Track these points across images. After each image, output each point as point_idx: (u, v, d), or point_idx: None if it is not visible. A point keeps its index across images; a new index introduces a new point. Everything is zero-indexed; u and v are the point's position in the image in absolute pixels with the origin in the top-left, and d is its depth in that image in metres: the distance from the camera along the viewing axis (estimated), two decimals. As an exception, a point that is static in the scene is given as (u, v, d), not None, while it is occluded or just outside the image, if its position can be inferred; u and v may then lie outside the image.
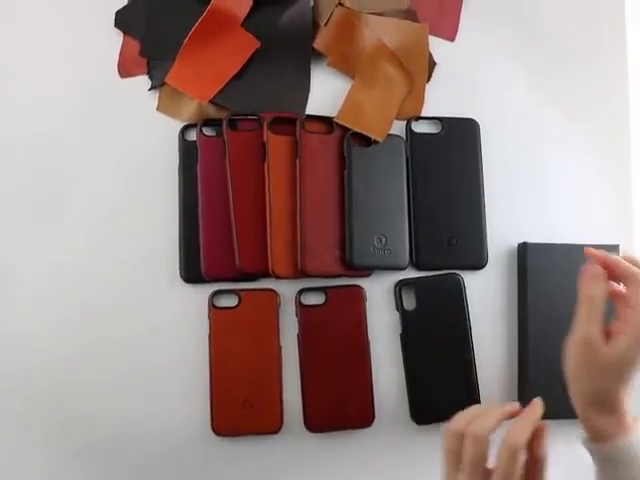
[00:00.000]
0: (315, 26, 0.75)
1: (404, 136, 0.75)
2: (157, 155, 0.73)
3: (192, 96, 0.73)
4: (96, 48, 0.76)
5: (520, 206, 0.76)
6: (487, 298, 0.74)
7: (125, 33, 0.76)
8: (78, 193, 0.73)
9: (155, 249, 0.72)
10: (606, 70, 0.81)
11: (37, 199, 0.73)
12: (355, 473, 0.71)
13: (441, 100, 0.76)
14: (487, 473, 0.49)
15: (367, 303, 0.72)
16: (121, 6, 0.76)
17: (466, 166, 0.74)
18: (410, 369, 0.71)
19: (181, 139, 0.73)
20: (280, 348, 0.71)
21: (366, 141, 0.73)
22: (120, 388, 0.71)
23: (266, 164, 0.70)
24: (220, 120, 0.72)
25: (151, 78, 0.75)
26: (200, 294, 0.71)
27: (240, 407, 0.69)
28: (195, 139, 0.72)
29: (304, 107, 0.75)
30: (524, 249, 0.73)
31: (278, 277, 0.70)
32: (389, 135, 0.74)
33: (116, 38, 0.76)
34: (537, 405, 0.52)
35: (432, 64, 0.77)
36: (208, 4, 0.73)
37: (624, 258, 0.54)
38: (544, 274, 0.72)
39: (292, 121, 0.72)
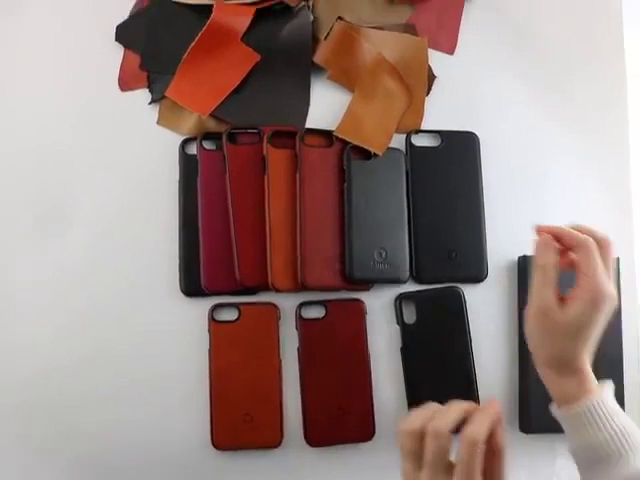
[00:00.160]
0: (315, 40, 0.75)
1: (404, 149, 0.75)
2: (157, 168, 0.73)
3: (192, 110, 0.73)
4: (97, 62, 0.76)
5: (520, 219, 0.75)
6: (487, 311, 0.74)
7: (126, 47, 0.76)
8: (78, 206, 0.73)
9: (155, 262, 0.72)
10: (605, 83, 0.81)
11: (38, 211, 0.73)
12: (356, 487, 0.71)
13: (441, 113, 0.77)
14: (450, 468, 0.49)
15: (367, 316, 0.72)
16: (122, 20, 0.76)
17: (466, 179, 0.74)
18: (410, 383, 0.71)
19: (181, 153, 0.73)
20: (280, 362, 0.71)
21: (366, 154, 0.73)
22: (120, 401, 0.71)
23: (266, 177, 0.70)
24: (220, 134, 0.72)
25: (151, 92, 0.75)
26: (200, 307, 0.71)
27: (240, 421, 0.69)
28: (195, 153, 0.72)
29: (304, 121, 0.75)
30: (524, 262, 0.73)
31: (278, 290, 0.70)
32: (389, 148, 0.74)
33: (117, 52, 0.76)
34: (493, 401, 0.52)
35: (432, 77, 0.77)
36: (208, 18, 0.73)
37: (574, 228, 0.56)
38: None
39: (292, 135, 0.72)
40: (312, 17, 0.75)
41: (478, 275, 0.74)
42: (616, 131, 0.80)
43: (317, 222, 0.70)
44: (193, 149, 0.73)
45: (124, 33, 0.77)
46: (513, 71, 0.79)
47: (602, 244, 0.55)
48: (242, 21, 0.74)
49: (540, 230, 0.57)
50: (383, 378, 0.72)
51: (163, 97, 0.74)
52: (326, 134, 0.73)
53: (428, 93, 0.77)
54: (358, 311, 0.71)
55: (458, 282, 0.73)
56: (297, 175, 0.71)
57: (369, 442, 0.70)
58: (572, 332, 0.54)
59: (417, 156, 0.74)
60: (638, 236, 0.78)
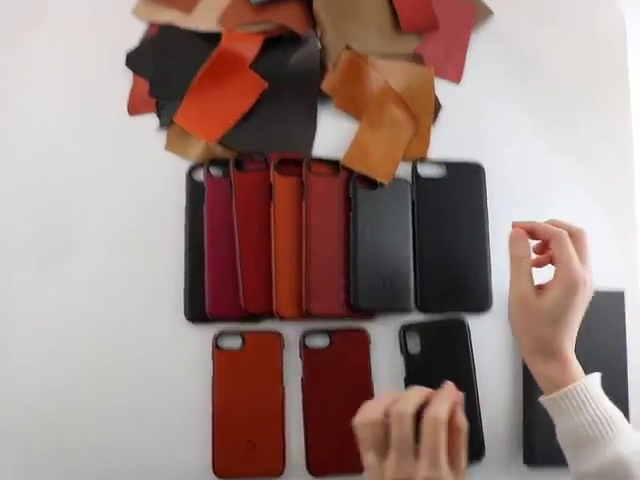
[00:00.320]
0: (323, 68, 0.76)
1: (409, 179, 0.75)
2: (164, 194, 0.74)
3: (200, 136, 0.73)
4: (106, 86, 0.77)
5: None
6: (492, 341, 0.74)
7: (135, 73, 0.77)
8: (85, 230, 0.73)
9: (160, 288, 0.72)
10: (609, 114, 0.82)
11: (45, 235, 0.73)
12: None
13: (446, 142, 0.77)
14: (416, 451, 0.50)
15: (371, 346, 0.71)
16: (132, 47, 0.77)
17: (471, 210, 0.74)
18: (414, 414, 0.71)
19: (188, 179, 0.73)
20: (284, 390, 0.70)
21: (372, 184, 0.73)
22: (122, 426, 0.70)
23: (272, 205, 0.71)
24: (227, 160, 0.73)
25: (159, 117, 0.76)
26: (204, 333, 0.71)
27: (242, 449, 0.69)
28: (202, 179, 0.73)
29: (310, 149, 0.75)
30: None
31: (282, 318, 0.70)
32: (395, 178, 0.74)
33: (126, 77, 0.77)
34: (451, 385, 0.53)
35: (438, 107, 0.78)
36: (216, 46, 0.74)
37: (549, 222, 0.60)
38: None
39: (298, 162, 0.72)
40: (320, 46, 0.76)
41: (483, 305, 0.74)
42: (621, 162, 0.80)
43: (322, 250, 0.70)
44: (200, 175, 0.73)
45: (134, 59, 0.77)
46: (518, 101, 0.80)
47: (576, 235, 0.59)
48: (251, 49, 0.75)
49: (515, 226, 0.61)
50: (387, 408, 0.71)
51: (171, 123, 0.75)
52: (332, 163, 0.74)
53: (434, 122, 0.77)
54: (362, 341, 0.71)
55: (463, 312, 0.73)
56: (303, 203, 0.71)
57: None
58: (550, 318, 0.56)
59: (423, 186, 0.75)
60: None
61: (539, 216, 0.72)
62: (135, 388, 0.71)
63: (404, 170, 0.75)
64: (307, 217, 0.70)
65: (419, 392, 0.53)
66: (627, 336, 0.74)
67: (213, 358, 0.70)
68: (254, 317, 0.71)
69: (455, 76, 0.79)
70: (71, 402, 0.70)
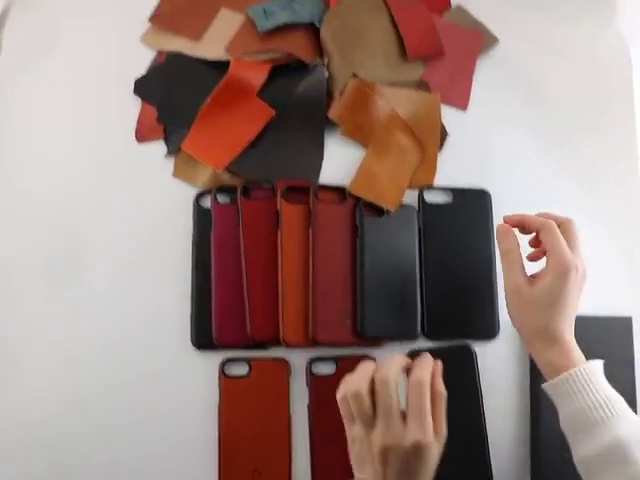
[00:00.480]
0: (329, 96, 0.76)
1: (416, 205, 0.75)
2: (171, 220, 0.74)
3: (207, 164, 0.73)
4: (115, 113, 0.78)
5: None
6: (499, 368, 0.74)
7: (143, 100, 0.78)
8: (92, 256, 0.74)
9: (167, 314, 0.72)
10: (615, 139, 0.82)
11: (52, 262, 0.74)
12: None
13: (453, 169, 0.77)
14: (402, 416, 0.53)
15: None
16: (140, 74, 0.78)
17: (478, 236, 0.75)
18: (420, 441, 0.70)
19: (195, 206, 0.74)
20: (290, 418, 0.70)
21: (378, 211, 0.74)
22: (126, 453, 0.70)
23: (279, 232, 0.71)
24: (234, 187, 0.73)
25: (167, 144, 0.76)
26: (210, 360, 0.71)
27: (248, 477, 0.69)
28: (209, 206, 0.73)
29: (317, 176, 0.76)
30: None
31: (289, 346, 0.70)
32: (401, 205, 0.74)
33: (134, 105, 0.77)
34: (427, 354, 0.57)
35: (444, 134, 0.78)
36: (224, 74, 0.75)
37: (538, 214, 0.63)
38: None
39: (305, 190, 0.73)
40: (327, 74, 0.76)
41: (490, 332, 0.74)
42: (626, 186, 0.81)
43: (329, 278, 0.71)
44: (207, 202, 0.74)
45: (142, 86, 0.78)
46: (524, 127, 0.80)
47: (564, 225, 0.61)
48: (258, 77, 0.75)
49: (506, 219, 0.64)
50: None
51: (179, 150, 0.75)
52: (339, 190, 0.74)
53: (441, 149, 0.77)
54: (369, 368, 0.71)
55: (469, 339, 0.73)
56: (310, 230, 0.71)
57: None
58: (545, 304, 0.58)
59: (429, 213, 0.75)
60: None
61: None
62: (141, 415, 0.70)
63: (411, 196, 0.76)
64: (314, 244, 0.71)
65: (398, 360, 0.56)
66: (635, 361, 0.73)
67: (219, 385, 0.70)
68: (261, 344, 0.71)
69: (461, 103, 0.79)
70: (76, 426, 0.70)
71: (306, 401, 0.70)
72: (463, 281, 0.74)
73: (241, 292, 0.70)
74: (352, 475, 0.61)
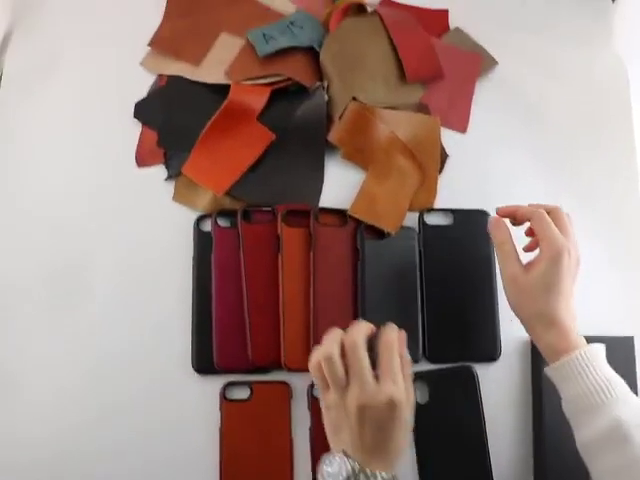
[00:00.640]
0: (329, 119, 0.77)
1: (417, 228, 0.75)
2: (172, 244, 0.74)
3: (207, 188, 0.74)
4: (115, 137, 0.78)
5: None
6: (501, 391, 0.73)
7: (143, 124, 0.78)
8: (92, 280, 0.74)
9: (168, 339, 0.72)
10: (614, 158, 0.82)
11: (52, 285, 0.73)
12: None
13: (453, 191, 0.77)
14: (375, 376, 0.55)
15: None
16: (140, 98, 0.78)
17: (479, 257, 0.75)
18: (423, 465, 0.70)
19: (196, 229, 0.74)
20: (292, 441, 0.70)
21: (379, 233, 0.74)
22: (128, 477, 0.69)
23: (280, 256, 0.71)
24: (235, 211, 0.73)
25: (167, 168, 0.76)
26: (212, 385, 0.71)
27: (250, 501, 0.68)
28: (210, 230, 0.73)
29: (318, 199, 0.76)
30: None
31: (290, 370, 0.70)
32: (402, 227, 0.75)
33: (135, 128, 0.78)
34: (392, 324, 0.59)
35: (444, 156, 0.78)
36: (224, 97, 0.75)
37: (529, 205, 0.64)
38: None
39: (306, 213, 0.73)
40: (327, 97, 0.76)
41: (491, 354, 0.73)
42: (625, 206, 0.81)
43: (330, 301, 0.71)
44: (208, 226, 0.74)
45: (142, 110, 0.78)
46: (523, 149, 0.81)
47: (554, 213, 0.63)
48: (258, 101, 0.76)
49: (497, 211, 0.66)
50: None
51: (179, 174, 0.75)
52: (340, 213, 0.74)
53: (441, 171, 0.78)
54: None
55: (471, 361, 0.73)
56: (311, 254, 0.71)
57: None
58: (541, 289, 0.60)
59: (430, 235, 0.75)
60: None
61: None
62: (142, 439, 0.70)
63: (411, 219, 0.76)
64: (315, 268, 0.71)
65: (364, 325, 0.58)
66: (638, 381, 0.73)
67: (221, 409, 0.70)
68: (262, 368, 0.71)
69: (461, 126, 0.80)
70: (75, 448, 0.69)
71: (308, 424, 0.70)
72: (464, 303, 0.74)
73: (242, 316, 0.70)
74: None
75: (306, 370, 0.66)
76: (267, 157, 0.75)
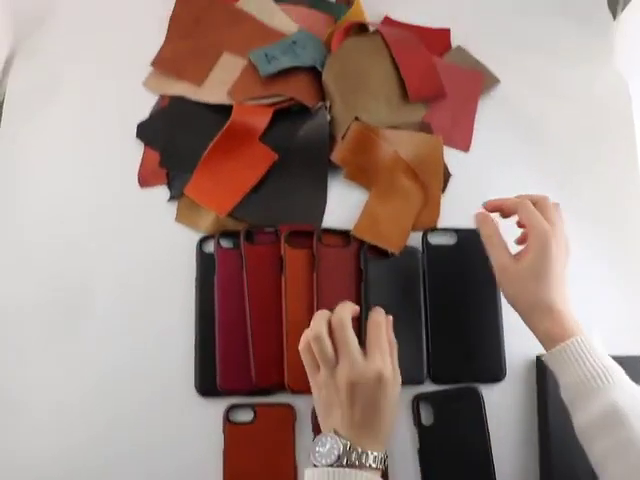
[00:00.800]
0: (332, 139, 0.76)
1: (420, 247, 0.75)
2: (174, 266, 0.74)
3: (210, 209, 0.73)
4: (118, 158, 0.78)
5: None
6: (506, 411, 0.72)
7: (146, 144, 0.78)
8: (93, 302, 0.73)
9: (171, 361, 0.71)
10: (617, 175, 0.82)
11: (54, 308, 0.73)
12: None
13: (456, 210, 0.77)
14: (362, 351, 0.58)
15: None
16: (142, 118, 0.78)
17: (482, 276, 0.74)
18: (429, 487, 0.69)
19: (198, 250, 0.73)
20: (296, 465, 0.69)
21: (383, 253, 0.73)
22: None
23: (283, 277, 0.71)
24: (237, 232, 0.73)
25: (170, 189, 0.76)
26: (215, 407, 0.70)
27: (254, 525, 0.67)
28: (213, 251, 0.73)
29: (321, 220, 0.76)
30: (543, 361, 0.71)
31: (294, 392, 0.69)
32: (405, 247, 0.74)
33: (137, 149, 0.78)
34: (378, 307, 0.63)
35: (447, 175, 0.78)
36: (226, 117, 0.75)
37: (516, 197, 0.66)
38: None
39: (309, 234, 0.72)
40: (329, 117, 0.76)
41: (496, 375, 0.73)
42: (630, 223, 0.81)
43: (334, 322, 0.70)
44: (210, 247, 0.73)
45: (144, 130, 0.78)
46: (527, 167, 0.81)
47: (540, 203, 0.64)
48: (260, 121, 0.76)
49: (484, 205, 0.68)
50: (400, 481, 0.70)
51: (182, 195, 0.75)
52: (343, 234, 0.74)
53: (444, 191, 0.77)
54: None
55: (476, 382, 0.72)
56: (314, 275, 0.71)
57: None
58: (532, 277, 0.60)
59: (433, 254, 0.75)
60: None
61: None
62: (144, 461, 0.69)
63: (415, 238, 0.75)
64: (318, 289, 0.70)
65: (349, 304, 0.61)
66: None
67: (224, 431, 0.69)
68: (265, 390, 0.70)
69: (463, 144, 0.79)
70: (77, 472, 0.69)
71: (312, 447, 0.69)
72: (469, 323, 0.73)
73: (245, 338, 0.70)
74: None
75: (310, 392, 0.66)
76: (270, 177, 0.75)
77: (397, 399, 0.60)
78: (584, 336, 0.59)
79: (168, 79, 0.81)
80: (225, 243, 0.73)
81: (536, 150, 0.82)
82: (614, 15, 0.90)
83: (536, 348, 0.69)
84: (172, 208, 0.76)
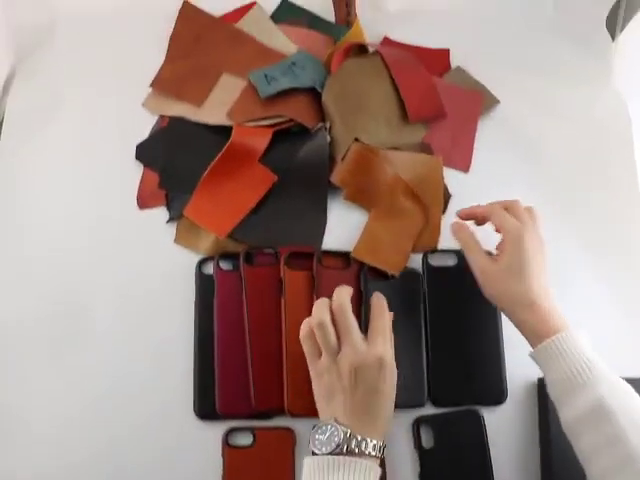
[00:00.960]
0: (332, 160, 0.76)
1: (421, 269, 0.74)
2: (173, 287, 0.73)
3: (209, 230, 0.73)
4: (116, 179, 0.78)
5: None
6: (508, 434, 0.72)
7: (145, 165, 0.78)
8: (93, 324, 0.73)
9: (169, 384, 0.71)
10: (617, 197, 0.82)
11: (55, 328, 0.73)
12: None
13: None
14: (364, 338, 0.60)
15: (384, 440, 0.69)
16: (142, 139, 0.78)
17: (483, 299, 0.73)
18: (430, 511, 0.69)
19: (198, 272, 0.73)
20: (295, 489, 0.68)
21: (383, 275, 0.73)
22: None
23: (283, 300, 0.70)
24: (237, 254, 0.72)
25: (169, 210, 0.76)
26: (214, 430, 0.69)
27: None
28: (212, 273, 0.72)
29: (320, 241, 0.75)
30: (544, 383, 0.71)
31: (294, 416, 0.68)
32: (406, 269, 0.74)
33: (136, 170, 0.78)
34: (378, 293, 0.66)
35: (447, 196, 0.78)
36: (226, 138, 0.75)
37: (487, 204, 0.68)
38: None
39: (309, 256, 0.72)
40: (329, 138, 0.76)
41: (497, 397, 0.72)
42: (632, 244, 0.80)
43: (334, 345, 0.69)
44: (210, 269, 0.73)
45: (144, 151, 0.78)
46: (526, 188, 0.80)
47: (511, 206, 0.66)
48: (260, 142, 0.76)
49: (457, 213, 0.70)
50: (402, 505, 0.69)
51: (181, 216, 0.75)
52: (343, 255, 0.74)
53: (444, 212, 0.77)
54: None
55: (477, 405, 0.72)
56: (314, 297, 0.70)
57: None
58: (511, 274, 0.63)
59: (434, 276, 0.74)
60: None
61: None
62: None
63: (415, 260, 0.75)
64: (318, 311, 0.69)
65: (346, 288, 0.63)
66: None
67: (223, 455, 0.68)
68: (265, 414, 0.69)
69: (463, 165, 0.79)
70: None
71: (312, 472, 0.68)
72: (469, 345, 0.73)
73: (245, 360, 0.69)
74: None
75: (310, 416, 0.66)
76: (269, 199, 0.75)
77: (394, 387, 0.61)
78: (569, 332, 0.60)
79: (167, 99, 0.81)
80: (225, 265, 0.73)
81: (536, 170, 0.82)
82: (613, 36, 0.90)
83: (537, 370, 0.69)
84: (171, 229, 0.76)
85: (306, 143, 0.76)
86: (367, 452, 0.56)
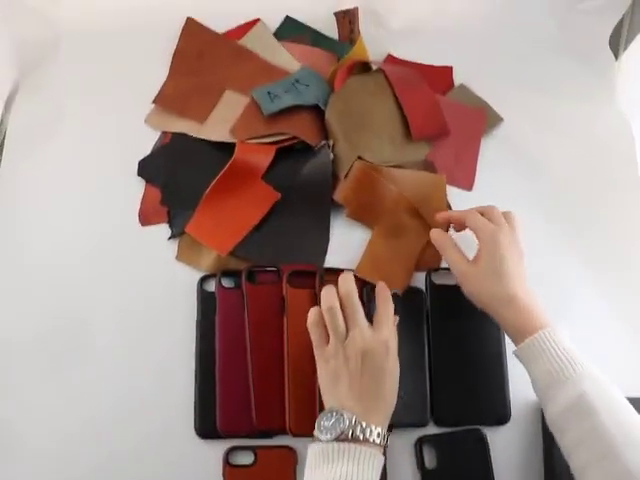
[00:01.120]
0: (335, 178, 0.76)
1: (424, 287, 0.74)
2: (175, 304, 0.73)
3: (211, 248, 0.73)
4: (118, 195, 0.78)
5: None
6: (512, 455, 0.71)
7: (147, 182, 0.77)
8: (93, 341, 0.72)
9: (169, 402, 0.70)
10: (622, 213, 0.82)
11: (55, 344, 0.72)
12: None
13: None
14: (370, 325, 0.62)
15: (387, 460, 0.69)
16: (144, 155, 0.78)
17: (487, 317, 0.73)
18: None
19: (199, 289, 0.73)
20: (297, 509, 0.68)
21: (386, 293, 0.72)
22: None
23: (285, 318, 0.70)
24: (239, 272, 0.72)
25: (171, 227, 0.76)
26: (215, 450, 0.69)
27: None
28: (214, 290, 0.72)
29: (323, 259, 0.75)
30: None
31: (295, 435, 0.68)
32: (409, 287, 0.74)
33: (139, 186, 0.77)
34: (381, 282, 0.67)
35: (450, 214, 0.77)
36: (228, 155, 0.75)
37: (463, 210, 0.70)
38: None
39: (311, 274, 0.72)
40: (332, 156, 0.76)
41: (501, 417, 0.72)
42: (633, 263, 0.80)
43: (336, 364, 0.69)
44: (211, 286, 0.73)
45: (146, 168, 0.78)
46: (529, 205, 0.80)
47: (487, 212, 0.68)
48: (263, 160, 0.75)
49: (435, 217, 0.72)
50: (404, 527, 0.69)
51: (183, 233, 0.74)
52: (346, 274, 0.73)
53: (447, 229, 0.77)
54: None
55: (480, 424, 0.71)
56: (316, 315, 0.69)
57: None
58: (489, 274, 0.64)
59: (437, 294, 0.74)
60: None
61: (555, 321, 0.71)
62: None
63: (418, 278, 0.75)
64: (320, 330, 0.69)
65: (349, 275, 0.65)
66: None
67: (224, 474, 0.68)
68: (266, 433, 0.69)
69: (467, 183, 0.79)
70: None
71: (313, 492, 0.68)
72: (473, 365, 0.73)
73: (246, 379, 0.69)
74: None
75: (311, 435, 0.65)
76: (272, 216, 0.75)
77: (397, 374, 0.62)
78: (551, 329, 0.61)
79: (170, 116, 0.81)
80: (226, 282, 0.73)
81: (539, 189, 0.81)
82: (616, 55, 0.90)
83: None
84: (173, 246, 0.75)
85: (309, 161, 0.75)
86: (372, 440, 0.57)
